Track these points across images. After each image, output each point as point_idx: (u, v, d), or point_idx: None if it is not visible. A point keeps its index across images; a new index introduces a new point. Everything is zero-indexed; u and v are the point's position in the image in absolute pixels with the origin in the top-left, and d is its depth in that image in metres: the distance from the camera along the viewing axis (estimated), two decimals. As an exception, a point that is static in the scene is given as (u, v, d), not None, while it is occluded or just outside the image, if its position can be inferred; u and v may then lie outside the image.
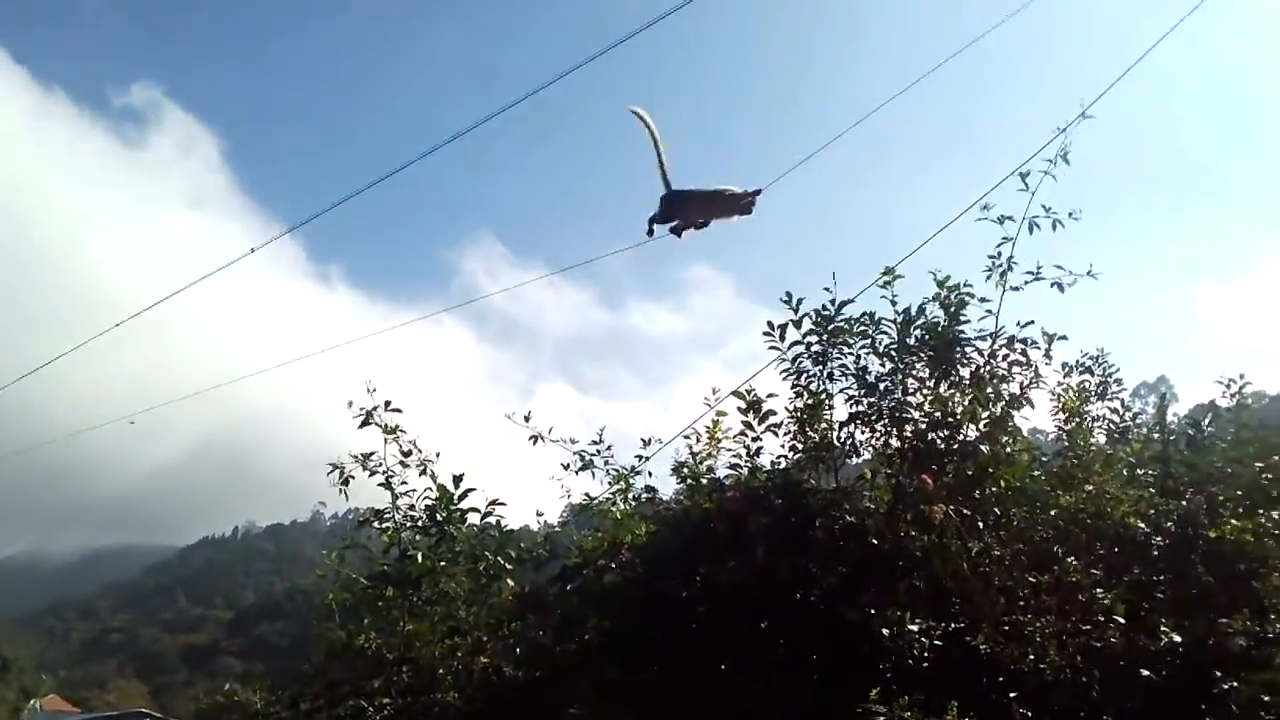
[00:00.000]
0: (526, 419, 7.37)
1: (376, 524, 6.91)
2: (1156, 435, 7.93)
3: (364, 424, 6.79)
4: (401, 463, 6.86)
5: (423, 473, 6.83)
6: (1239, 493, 6.97)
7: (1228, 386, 8.08)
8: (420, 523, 6.87)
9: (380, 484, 6.84)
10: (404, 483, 6.88)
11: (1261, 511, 6.69)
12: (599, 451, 7.42)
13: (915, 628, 5.70)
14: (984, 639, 5.80)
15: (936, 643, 5.80)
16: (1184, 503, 6.90)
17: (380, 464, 6.86)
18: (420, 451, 6.86)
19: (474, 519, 6.87)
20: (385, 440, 6.84)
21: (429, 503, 6.83)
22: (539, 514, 7.85)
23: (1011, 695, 5.77)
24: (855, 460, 7.11)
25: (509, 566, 6.85)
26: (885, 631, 5.63)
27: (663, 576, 6.37)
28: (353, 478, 6.84)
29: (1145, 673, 5.77)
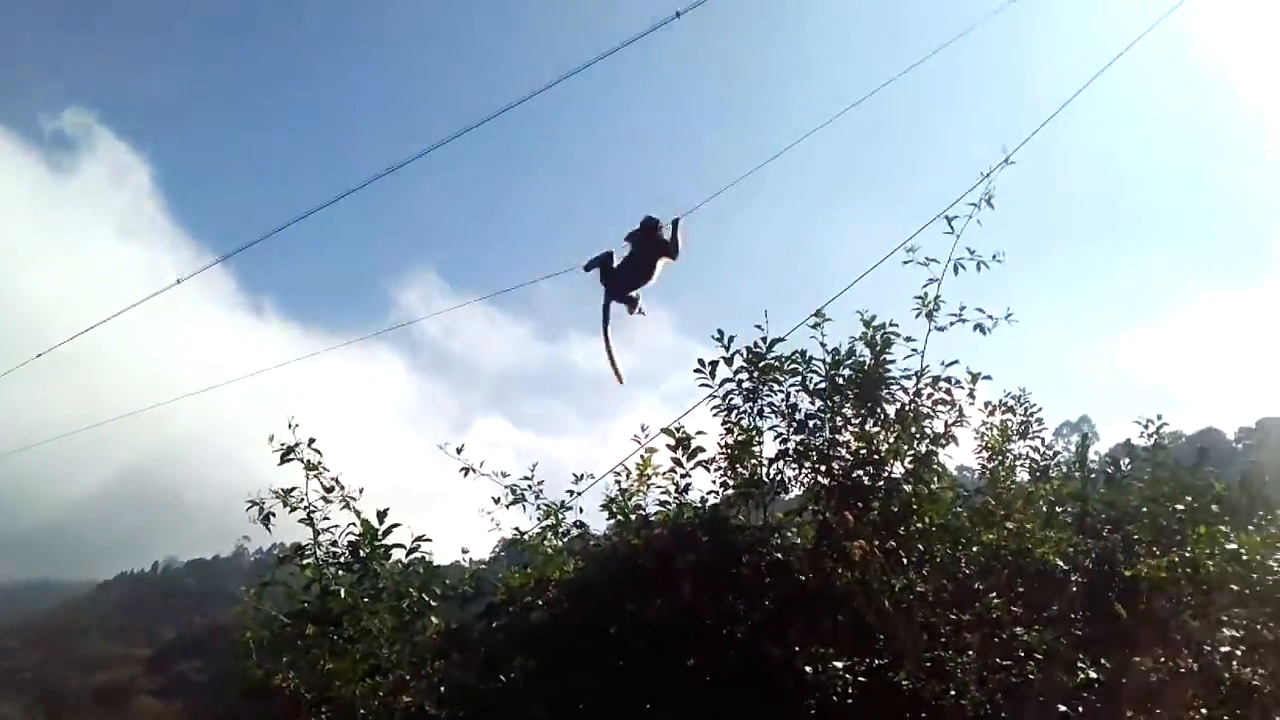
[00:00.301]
0: (459, 451, 7.36)
1: (298, 561, 6.74)
2: (1077, 474, 8.13)
3: (284, 460, 6.66)
4: (324, 498, 6.72)
5: (345, 508, 6.70)
6: (1155, 533, 7.17)
7: (1145, 427, 8.33)
8: (343, 559, 6.72)
9: (301, 520, 6.69)
10: (326, 518, 6.74)
11: (1175, 551, 6.88)
12: (530, 486, 7.39)
13: (839, 664, 5.74)
14: (906, 675, 5.85)
15: (860, 679, 5.84)
16: (1102, 541, 7.08)
17: (302, 499, 6.72)
18: (343, 487, 6.73)
19: (399, 555, 6.74)
20: (307, 476, 6.70)
21: (352, 539, 6.69)
22: (464, 551, 7.74)
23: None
24: (786, 496, 7.18)
25: (433, 604, 6.73)
26: (808, 669, 5.65)
27: (590, 614, 6.32)
28: (273, 514, 6.70)
29: (1062, 708, 5.87)
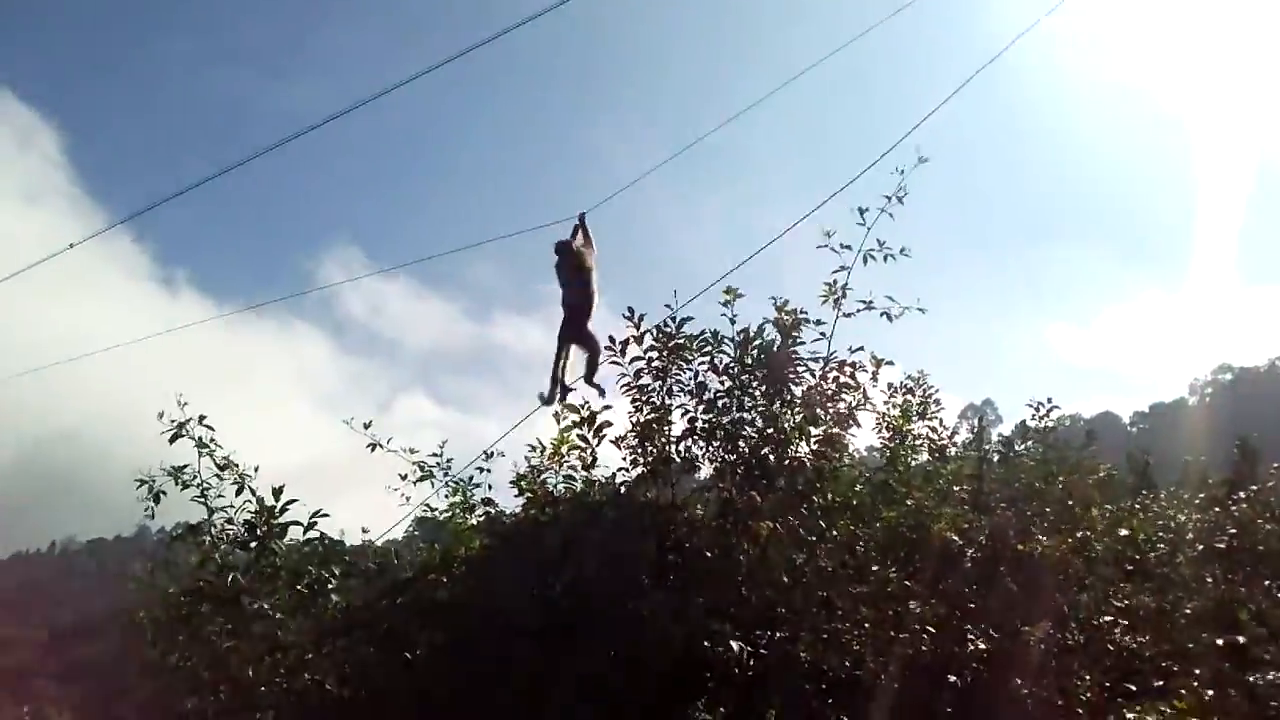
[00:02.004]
0: (366, 426, 7.29)
1: (193, 540, 6.55)
2: (973, 454, 8.38)
3: (174, 439, 6.49)
4: (218, 476, 6.55)
5: (240, 490, 6.53)
6: (1046, 510, 7.46)
7: (1037, 410, 8.60)
8: (239, 538, 6.56)
9: (195, 499, 6.51)
10: (220, 496, 6.57)
11: (1065, 528, 7.17)
12: (440, 463, 7.34)
13: (738, 638, 5.84)
14: (805, 647, 5.99)
15: (761, 651, 5.96)
16: (995, 518, 7.32)
17: (195, 477, 6.54)
18: (237, 466, 6.57)
19: (296, 533, 6.58)
20: (199, 454, 6.54)
21: (248, 517, 6.53)
22: (365, 530, 7.62)
23: (829, 701, 5.99)
24: (697, 475, 7.25)
25: (333, 581, 6.61)
26: (707, 644, 5.74)
27: (494, 590, 6.31)
28: (164, 494, 6.52)
29: (953, 678, 6.09)
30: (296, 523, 6.49)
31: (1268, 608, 8.05)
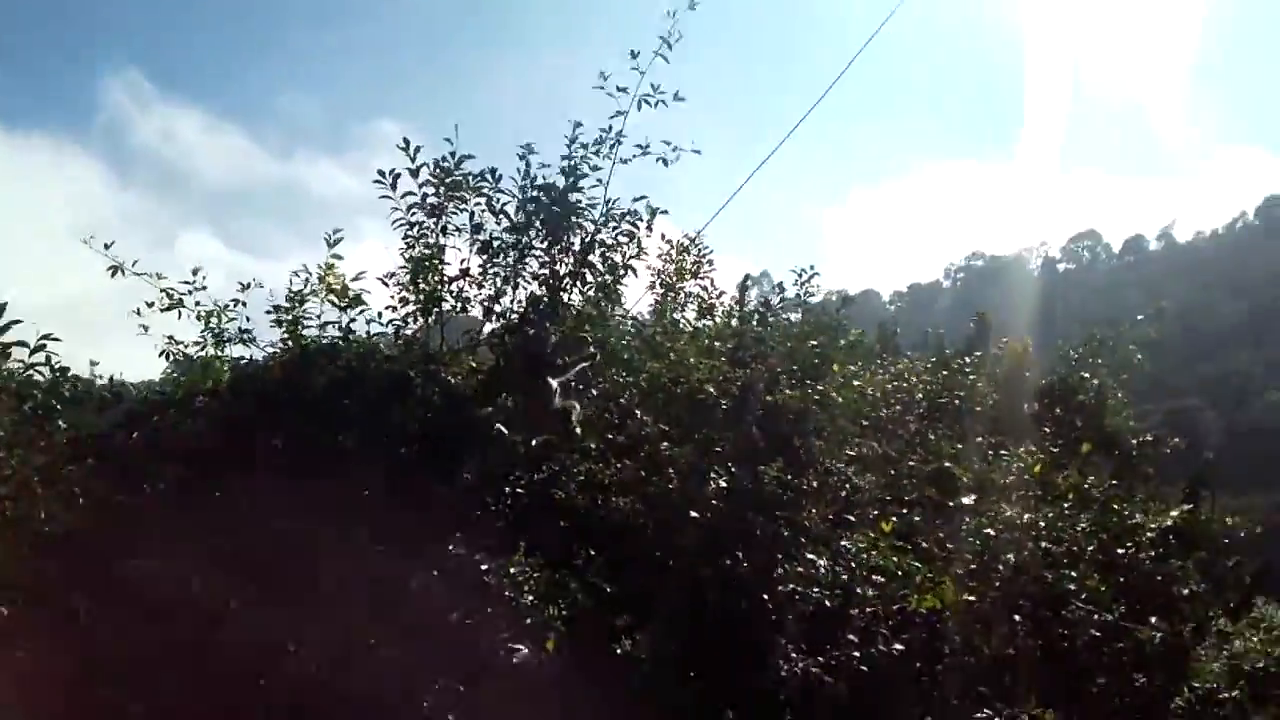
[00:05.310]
0: (106, 248, 6.64)
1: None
2: (736, 313, 8.78)
3: None
4: None
5: None
6: (795, 367, 7.98)
7: (800, 276, 9.06)
8: (-47, 356, 5.87)
9: None
10: None
11: (810, 382, 7.71)
12: (191, 290, 6.81)
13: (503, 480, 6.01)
14: (561, 489, 6.22)
15: (525, 492, 6.15)
16: (748, 372, 7.76)
17: None
18: None
19: (21, 355, 5.96)
20: None
21: (-38, 336, 5.83)
22: (94, 363, 6.99)
23: (587, 539, 6.32)
24: (463, 315, 7.17)
25: (59, 407, 6.09)
26: (468, 476, 5.86)
27: (240, 431, 6.08)
28: None
29: (694, 514, 6.52)
30: (22, 343, 5.86)
31: (978, 464, 9.17)
